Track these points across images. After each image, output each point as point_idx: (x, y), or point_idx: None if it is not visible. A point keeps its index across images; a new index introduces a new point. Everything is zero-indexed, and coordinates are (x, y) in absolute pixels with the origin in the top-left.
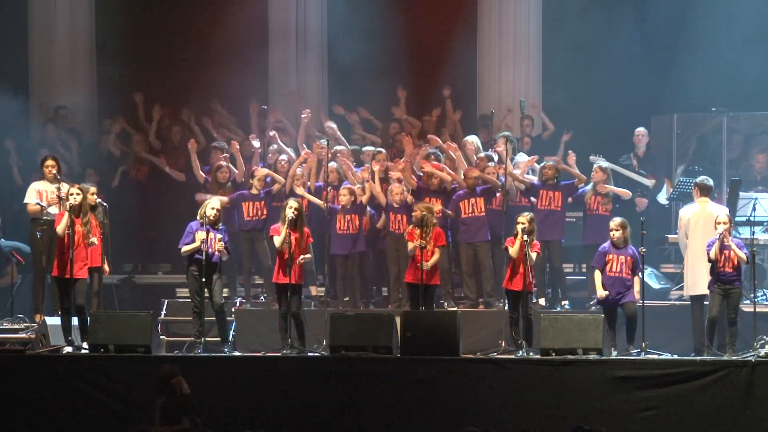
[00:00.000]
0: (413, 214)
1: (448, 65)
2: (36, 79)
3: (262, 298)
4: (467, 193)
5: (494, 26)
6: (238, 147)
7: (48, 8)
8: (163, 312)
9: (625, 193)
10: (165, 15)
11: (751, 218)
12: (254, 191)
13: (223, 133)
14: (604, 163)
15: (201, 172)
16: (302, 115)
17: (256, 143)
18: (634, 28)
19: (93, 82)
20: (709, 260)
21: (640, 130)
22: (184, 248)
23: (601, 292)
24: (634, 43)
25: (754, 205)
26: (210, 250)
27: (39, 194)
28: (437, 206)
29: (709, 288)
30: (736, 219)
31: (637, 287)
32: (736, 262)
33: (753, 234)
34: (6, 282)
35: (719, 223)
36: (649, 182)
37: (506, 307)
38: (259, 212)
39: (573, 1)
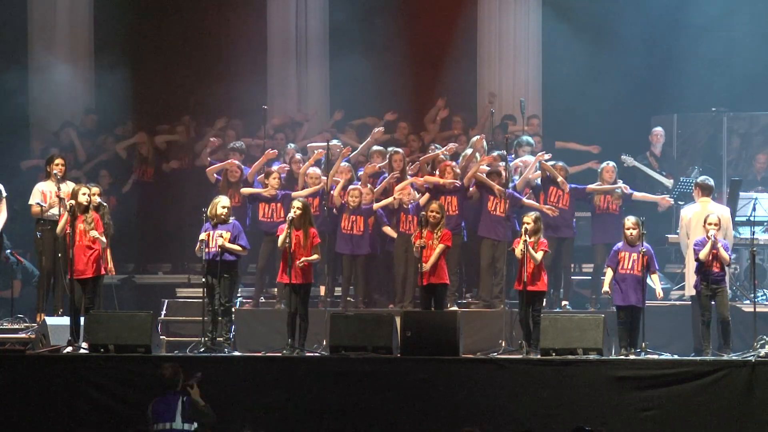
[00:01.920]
0: (432, 209)
1: (448, 66)
2: (35, 78)
3: (262, 298)
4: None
5: (494, 27)
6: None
7: (47, 9)
8: (163, 312)
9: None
10: (165, 19)
11: (751, 218)
12: (271, 192)
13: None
14: (632, 163)
15: (214, 174)
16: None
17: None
18: (634, 28)
19: (91, 84)
20: (697, 260)
21: (658, 129)
22: (197, 249)
23: (606, 288)
24: (634, 42)
25: (754, 205)
26: (214, 249)
27: (43, 195)
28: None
29: (695, 287)
30: (736, 219)
31: (657, 282)
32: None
33: (753, 234)
34: (7, 295)
35: (710, 224)
36: (669, 182)
37: (506, 308)
38: (275, 214)
39: (573, 2)
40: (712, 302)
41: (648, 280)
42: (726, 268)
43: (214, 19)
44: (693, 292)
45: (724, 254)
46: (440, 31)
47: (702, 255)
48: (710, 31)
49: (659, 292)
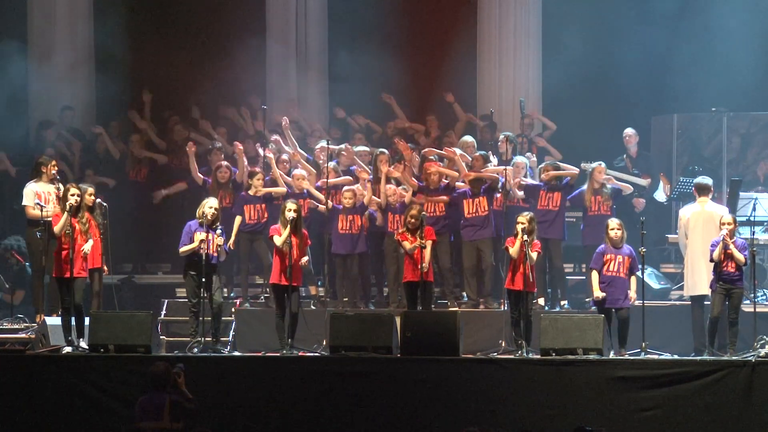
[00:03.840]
0: (411, 215)
1: (448, 65)
2: (35, 77)
3: (262, 298)
4: (471, 193)
5: (494, 26)
6: (241, 148)
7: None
8: (163, 312)
9: (627, 187)
10: (164, 10)
11: (751, 218)
12: (252, 192)
13: (222, 133)
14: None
15: (199, 174)
16: (282, 122)
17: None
18: (634, 28)
19: (91, 80)
20: (712, 260)
21: (629, 131)
22: (183, 249)
23: (598, 293)
24: (635, 43)
25: (754, 205)
26: (209, 251)
27: (38, 196)
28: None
29: (711, 287)
30: (736, 219)
31: (633, 287)
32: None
33: (753, 234)
34: (7, 299)
35: (724, 224)
36: (644, 182)
37: (505, 307)
38: (260, 215)
39: (573, 1)
40: (726, 302)
41: (632, 280)
42: (743, 268)
43: (213, 7)
44: (691, 292)
45: (738, 255)
46: (440, 31)
47: (714, 255)
48: (710, 31)
49: (633, 296)
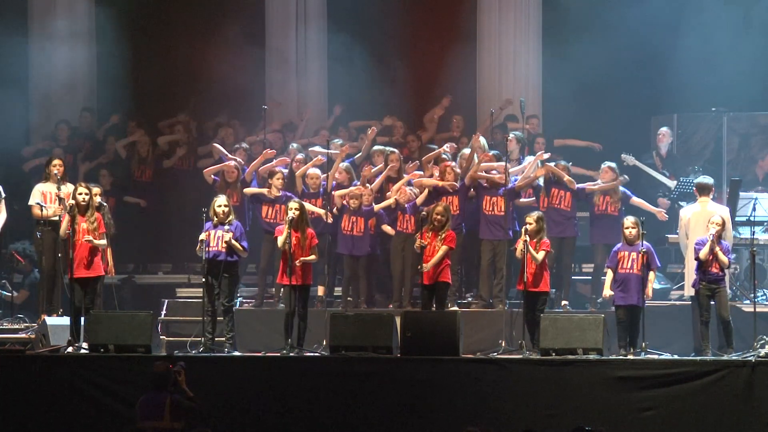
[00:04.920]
0: (437, 212)
1: (448, 66)
2: (35, 78)
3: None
4: (493, 190)
5: (494, 26)
6: (272, 152)
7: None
8: (163, 312)
9: (647, 206)
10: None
11: (751, 218)
12: (274, 192)
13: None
14: (633, 162)
15: (211, 175)
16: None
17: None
18: (635, 28)
19: (93, 78)
20: (696, 259)
21: (664, 129)
22: (197, 249)
23: (606, 292)
24: (635, 42)
25: (754, 205)
26: (214, 248)
27: (43, 196)
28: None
29: (693, 287)
30: (736, 219)
31: (649, 284)
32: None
33: (753, 234)
34: (8, 299)
35: (712, 224)
36: (671, 183)
37: (506, 308)
38: (278, 215)
39: (573, 1)
40: (712, 302)
41: (649, 276)
42: (725, 269)
43: (212, 9)
44: (693, 292)
45: (723, 257)
46: (440, 31)
47: (702, 254)
48: (710, 30)
49: (648, 293)
